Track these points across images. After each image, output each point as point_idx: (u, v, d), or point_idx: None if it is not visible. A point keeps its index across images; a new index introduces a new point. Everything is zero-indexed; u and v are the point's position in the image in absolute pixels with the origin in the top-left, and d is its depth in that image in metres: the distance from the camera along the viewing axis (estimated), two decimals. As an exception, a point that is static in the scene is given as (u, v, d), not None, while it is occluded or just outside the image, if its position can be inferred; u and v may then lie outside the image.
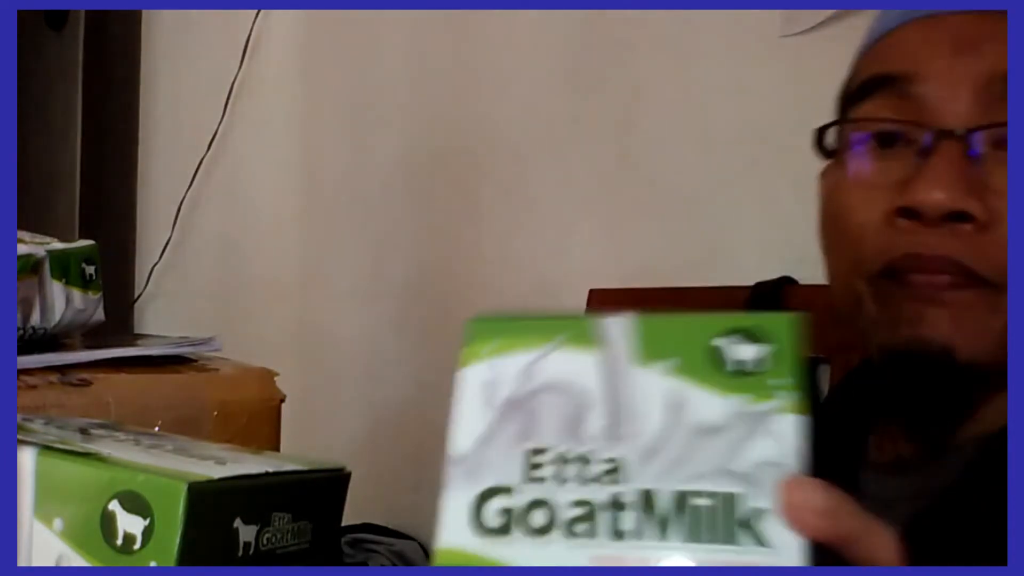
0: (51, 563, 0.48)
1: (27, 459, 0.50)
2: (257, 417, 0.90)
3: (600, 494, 0.35)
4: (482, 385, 0.38)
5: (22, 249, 0.87)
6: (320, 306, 1.67)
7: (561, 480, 0.36)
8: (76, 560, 0.47)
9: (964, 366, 0.60)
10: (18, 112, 1.52)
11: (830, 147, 0.66)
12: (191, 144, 1.77)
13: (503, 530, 0.35)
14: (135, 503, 0.46)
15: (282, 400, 0.92)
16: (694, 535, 0.34)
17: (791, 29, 1.12)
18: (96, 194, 1.77)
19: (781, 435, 0.35)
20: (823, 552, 0.35)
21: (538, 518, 0.35)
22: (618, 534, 0.34)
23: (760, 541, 0.34)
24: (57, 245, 0.92)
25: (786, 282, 1.06)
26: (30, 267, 0.87)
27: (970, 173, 0.59)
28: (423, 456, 1.43)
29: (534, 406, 0.37)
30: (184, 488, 0.46)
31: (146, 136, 1.89)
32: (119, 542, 0.46)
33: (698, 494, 0.34)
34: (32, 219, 1.05)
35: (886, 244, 0.61)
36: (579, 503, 0.35)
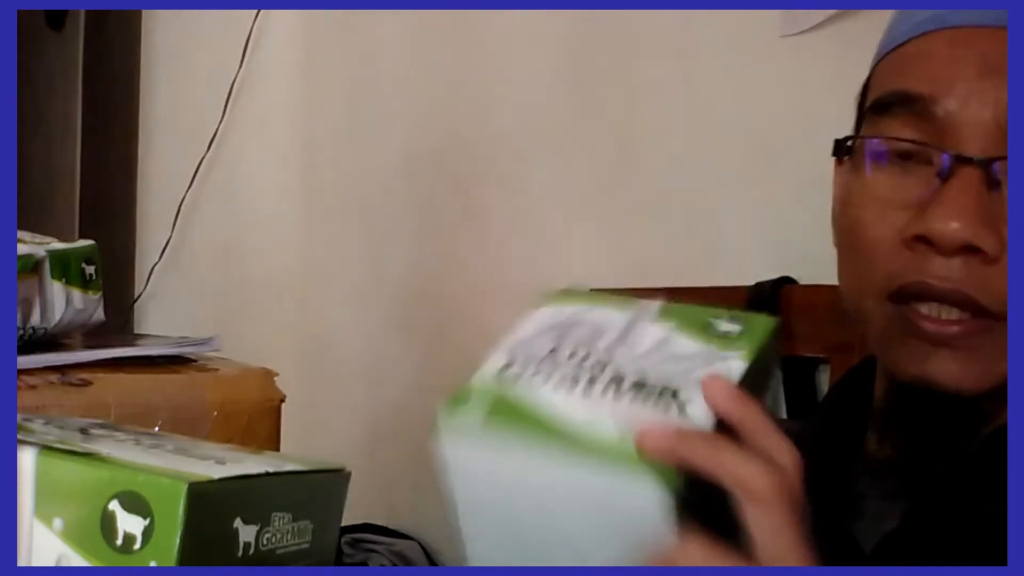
0: (51, 563, 0.48)
1: (27, 459, 0.49)
2: (257, 417, 0.90)
3: (585, 373, 0.49)
4: (543, 316, 0.54)
5: (22, 249, 0.87)
6: (320, 306, 1.67)
7: (565, 362, 0.50)
8: (76, 560, 0.47)
9: (971, 400, 0.60)
10: (18, 112, 1.52)
11: (847, 147, 0.65)
12: (191, 144, 1.77)
13: (514, 379, 0.49)
14: (135, 503, 0.46)
15: (282, 400, 0.92)
16: (639, 399, 0.47)
17: (791, 29, 1.11)
18: (96, 194, 1.77)
19: (729, 369, 0.49)
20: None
21: (539, 378, 0.49)
22: (589, 392, 0.48)
23: (682, 412, 0.47)
24: (57, 245, 0.92)
25: (785, 282, 1.06)
26: (30, 267, 0.87)
27: (987, 203, 0.58)
28: (423, 456, 1.43)
29: (569, 329, 0.52)
30: (184, 488, 0.46)
31: (146, 136, 1.88)
32: (119, 542, 0.47)
33: (653, 382, 0.48)
34: (32, 219, 1.05)
35: (898, 267, 0.60)
36: (568, 374, 0.49)
